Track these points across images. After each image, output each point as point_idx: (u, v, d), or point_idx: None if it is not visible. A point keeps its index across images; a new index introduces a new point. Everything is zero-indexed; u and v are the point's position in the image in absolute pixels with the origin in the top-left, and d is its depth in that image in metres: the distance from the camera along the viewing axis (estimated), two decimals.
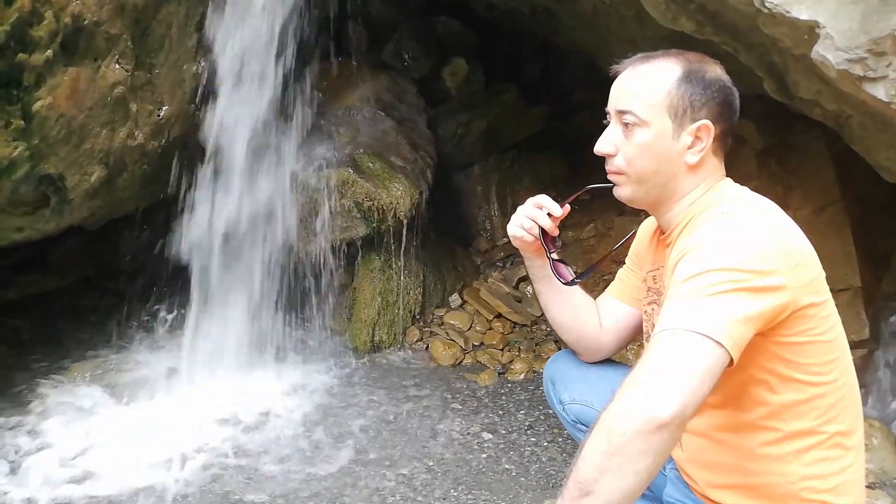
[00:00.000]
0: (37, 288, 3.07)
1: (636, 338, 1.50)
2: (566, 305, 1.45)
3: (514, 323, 3.11)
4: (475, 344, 3.02)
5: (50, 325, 2.97)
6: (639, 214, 3.34)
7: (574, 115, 3.96)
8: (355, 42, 3.48)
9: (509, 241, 3.70)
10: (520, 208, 1.41)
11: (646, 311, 1.37)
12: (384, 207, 2.88)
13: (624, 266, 1.50)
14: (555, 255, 1.38)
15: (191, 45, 2.77)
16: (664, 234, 1.29)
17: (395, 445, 2.33)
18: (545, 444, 2.34)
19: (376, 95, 3.26)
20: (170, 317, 2.81)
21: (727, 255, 1.05)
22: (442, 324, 3.12)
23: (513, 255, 3.55)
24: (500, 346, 2.98)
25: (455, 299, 3.25)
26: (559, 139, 3.83)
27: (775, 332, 1.07)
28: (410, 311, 3.09)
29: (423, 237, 3.08)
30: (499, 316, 3.13)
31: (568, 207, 1.37)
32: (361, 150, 2.99)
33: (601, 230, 3.29)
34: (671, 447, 0.96)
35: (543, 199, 1.38)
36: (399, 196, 2.89)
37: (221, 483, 2.11)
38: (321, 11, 2.99)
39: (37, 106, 2.19)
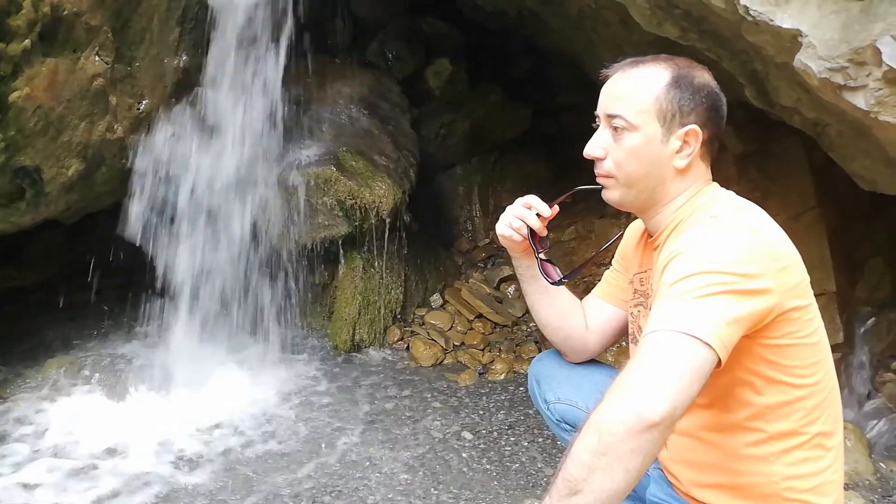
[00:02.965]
0: (12, 282, 3.00)
1: (619, 339, 1.51)
2: (552, 306, 1.46)
3: (495, 323, 3.12)
4: (456, 344, 3.02)
5: (26, 320, 2.91)
6: (619, 217, 3.39)
7: (559, 116, 3.98)
8: (340, 40, 3.47)
9: (491, 242, 3.74)
10: (508, 208, 1.41)
11: (632, 313, 1.38)
12: (367, 206, 2.87)
13: (610, 268, 1.51)
14: (542, 256, 1.38)
15: (172, 38, 2.74)
16: (652, 237, 1.30)
17: (375, 445, 2.33)
18: (525, 444, 2.34)
19: (360, 94, 3.25)
20: (147, 313, 2.76)
21: (715, 258, 1.06)
22: (423, 323, 3.12)
23: (494, 255, 3.56)
24: (481, 347, 2.99)
25: (436, 299, 3.25)
26: (544, 140, 3.85)
27: (761, 335, 1.09)
28: (391, 311, 3.09)
29: (404, 237, 3.07)
30: (480, 316, 3.13)
31: (557, 208, 1.37)
32: (344, 149, 2.98)
33: (582, 232, 3.31)
34: (661, 447, 0.97)
35: (532, 200, 1.38)
36: (382, 195, 2.89)
37: (196, 488, 2.08)
38: (306, 9, 2.97)
39: (13, 97, 2.15)
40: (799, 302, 1.10)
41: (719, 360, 1.01)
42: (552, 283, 1.38)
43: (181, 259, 2.62)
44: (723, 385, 1.12)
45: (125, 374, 2.56)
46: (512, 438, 2.37)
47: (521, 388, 2.71)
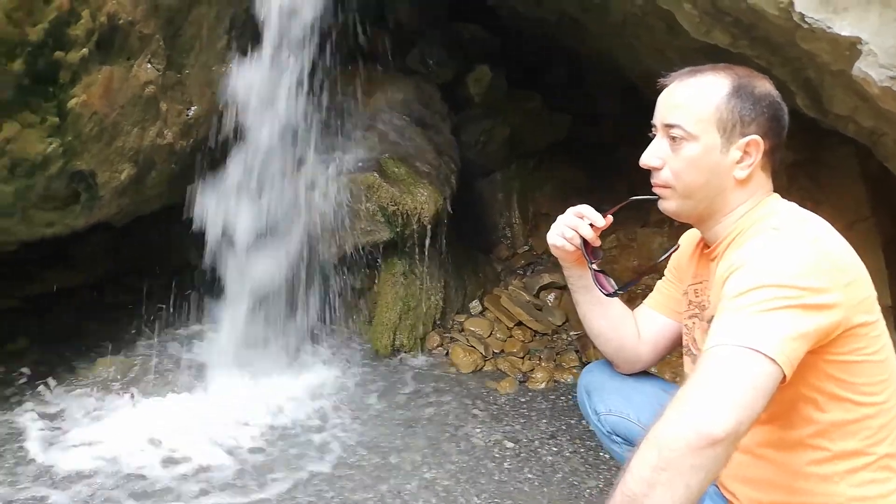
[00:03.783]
0: (62, 282, 3.09)
1: (672, 350, 1.49)
2: (605, 316, 1.45)
3: (535, 331, 3.10)
4: (495, 351, 3.01)
5: (76, 319, 2.99)
6: (662, 226, 3.35)
7: (597, 122, 3.96)
8: (381, 48, 3.49)
9: (530, 249, 3.73)
10: (560, 217, 1.40)
11: (686, 325, 1.36)
12: (408, 212, 2.88)
13: (663, 278, 1.49)
14: (596, 266, 1.37)
15: (220, 46, 2.79)
16: (709, 247, 1.28)
17: (416, 450, 2.33)
18: (568, 454, 2.33)
19: (401, 101, 3.27)
20: (193, 315, 2.81)
21: (779, 271, 1.04)
22: (462, 330, 3.12)
23: (533, 263, 3.54)
24: (521, 355, 2.97)
25: (475, 306, 3.25)
26: (582, 147, 3.82)
27: (826, 350, 1.06)
28: (431, 317, 3.09)
29: (444, 243, 3.08)
30: (519, 324, 3.12)
31: (611, 218, 1.36)
32: (387, 155, 3.00)
33: (624, 241, 3.28)
34: (724, 464, 0.96)
35: (585, 209, 1.37)
36: (423, 201, 2.90)
37: (233, 486, 2.10)
38: (348, 17, 3.01)
39: (71, 103, 2.21)
40: (866, 318, 1.08)
41: (784, 376, 0.99)
42: (607, 295, 1.37)
43: (228, 260, 2.66)
44: (784, 401, 1.10)
45: (173, 373, 2.61)
46: (554, 448, 2.35)
47: (563, 398, 2.69)
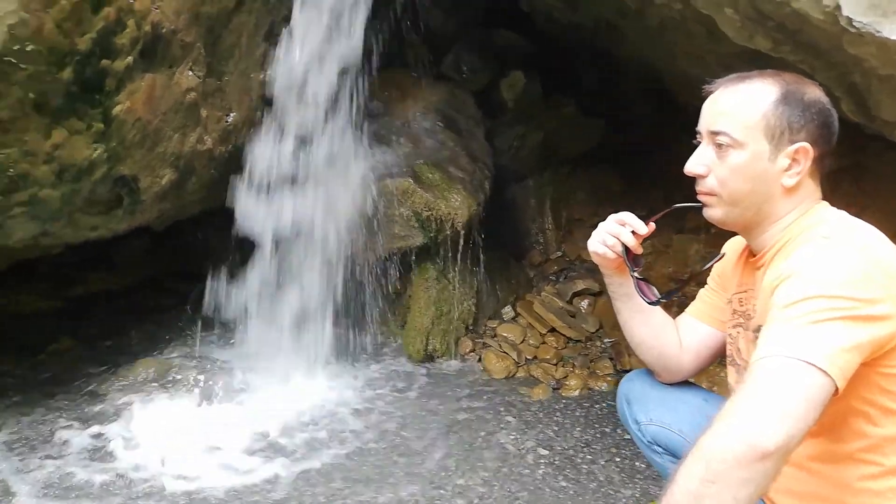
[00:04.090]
0: (103, 285, 3.16)
1: (715, 360, 1.47)
2: (646, 324, 1.43)
3: (568, 338, 3.08)
4: (528, 357, 3.00)
5: (115, 321, 3.05)
6: (698, 233, 3.30)
7: (630, 128, 3.92)
8: (415, 54, 3.52)
9: (563, 255, 3.70)
10: (601, 225, 1.39)
11: (730, 334, 1.34)
12: (442, 217, 2.89)
13: (705, 286, 1.47)
14: (638, 274, 1.36)
15: (259, 53, 2.84)
16: (755, 256, 1.26)
17: (449, 455, 2.33)
18: (602, 462, 2.30)
19: (436, 107, 3.28)
20: (229, 318, 2.85)
21: (831, 282, 1.02)
22: (495, 336, 3.11)
23: (566, 269, 3.52)
24: (554, 361, 2.96)
25: (508, 311, 3.24)
26: (616, 152, 3.79)
27: (879, 363, 1.04)
28: (464, 322, 3.10)
29: (477, 248, 3.09)
30: (552, 330, 3.10)
31: (653, 225, 1.35)
32: (421, 161, 3.02)
33: (659, 247, 3.24)
34: (774, 478, 0.94)
35: (627, 217, 1.36)
36: (457, 207, 2.91)
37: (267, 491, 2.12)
38: (382, 23, 3.03)
39: (116, 110, 2.26)
40: None
41: (837, 389, 0.97)
42: (649, 303, 1.35)
43: (264, 264, 2.70)
44: (835, 414, 1.07)
45: (210, 376, 2.64)
46: (589, 456, 2.33)
47: (597, 406, 2.67)
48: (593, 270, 3.48)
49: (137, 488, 2.09)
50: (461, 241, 2.95)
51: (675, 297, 1.45)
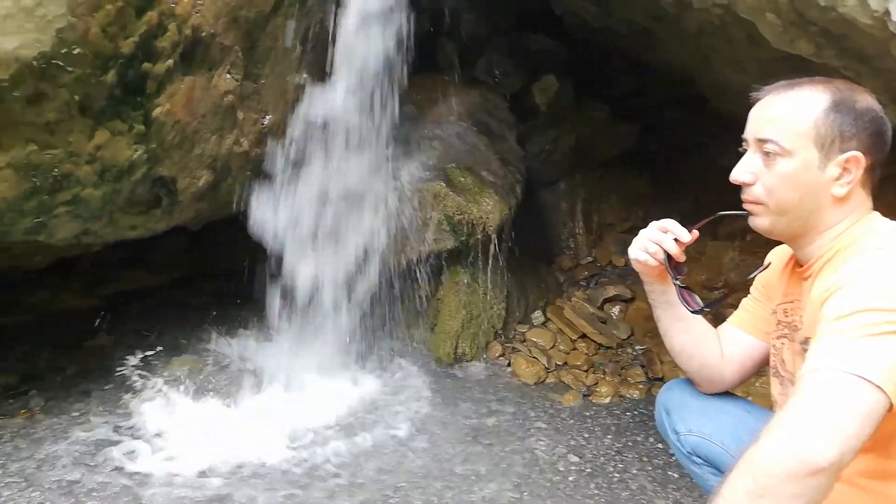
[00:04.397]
0: (137, 283, 3.22)
1: (757, 371, 1.45)
2: (687, 333, 1.41)
3: (599, 344, 3.06)
4: (558, 363, 2.99)
5: (149, 319, 3.10)
6: (733, 240, 3.25)
7: (663, 132, 3.88)
8: (447, 57, 3.52)
9: (594, 261, 3.68)
10: (643, 232, 1.38)
11: (774, 345, 1.32)
12: (474, 221, 2.89)
13: (748, 296, 1.45)
14: (680, 282, 1.35)
15: (294, 57, 2.86)
16: (802, 266, 1.24)
17: (479, 460, 2.32)
18: (634, 471, 2.28)
19: (468, 110, 3.29)
20: (262, 317, 2.88)
21: (885, 294, 1.00)
22: (524, 340, 3.10)
23: (597, 274, 3.50)
24: (585, 368, 2.94)
25: (538, 316, 3.22)
26: (649, 157, 3.76)
27: None
28: (493, 326, 3.09)
29: (507, 252, 3.08)
30: (583, 336, 3.08)
31: (696, 233, 1.33)
32: (453, 164, 3.02)
33: (692, 254, 3.19)
34: (825, 494, 0.92)
35: (670, 224, 1.35)
36: (489, 211, 2.90)
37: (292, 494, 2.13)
38: (414, 27, 3.04)
39: (156, 112, 2.30)
40: None
41: (892, 405, 0.94)
42: (692, 312, 1.34)
43: (299, 266, 2.72)
44: (888, 429, 1.05)
45: (242, 375, 2.67)
46: (620, 465, 2.31)
47: (629, 413, 2.65)
48: (624, 276, 3.45)
49: (168, 485, 2.11)
50: (492, 245, 2.94)
51: (719, 307, 1.42)
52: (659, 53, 3.43)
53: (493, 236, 2.92)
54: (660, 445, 2.42)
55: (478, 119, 3.27)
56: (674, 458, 2.32)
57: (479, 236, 2.92)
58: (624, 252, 3.60)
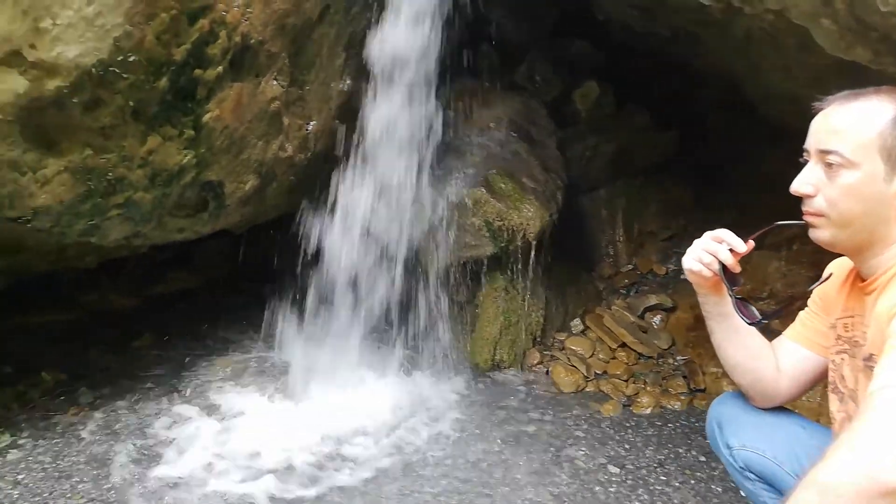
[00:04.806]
0: (182, 284, 3.28)
1: (814, 386, 1.41)
2: (743, 346, 1.39)
3: (640, 354, 3.02)
4: (597, 372, 2.96)
5: (193, 319, 3.16)
6: (779, 250, 3.18)
7: (707, 139, 3.82)
8: (488, 63, 3.53)
9: (634, 268, 3.64)
10: (697, 242, 1.36)
11: (833, 361, 1.28)
12: (514, 228, 2.88)
13: (805, 308, 1.41)
14: (737, 293, 1.32)
15: (338, 63, 2.90)
16: (864, 280, 1.21)
17: (518, 468, 2.31)
18: (676, 484, 2.24)
19: (508, 117, 3.28)
20: (302, 320, 2.91)
21: None
22: (563, 348, 3.08)
23: (637, 283, 3.46)
24: (625, 377, 2.90)
25: (577, 324, 3.20)
26: (692, 165, 3.71)
27: None
28: (532, 333, 3.08)
29: (547, 259, 3.06)
30: (623, 345, 3.05)
31: (752, 243, 1.31)
32: (494, 171, 3.01)
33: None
34: None
35: (725, 234, 1.32)
36: (530, 217, 2.89)
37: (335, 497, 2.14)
38: (455, 34, 3.05)
39: (206, 118, 2.35)
40: None
41: None
42: (749, 324, 1.31)
43: (341, 270, 2.75)
44: None
45: (283, 376, 2.71)
46: (662, 477, 2.28)
47: (670, 425, 2.61)
48: (665, 285, 3.41)
49: (217, 485, 2.14)
50: (532, 252, 2.93)
51: (778, 318, 1.39)
52: (703, 59, 3.38)
53: (534, 243, 2.90)
54: (703, 458, 2.38)
55: (518, 125, 3.27)
56: (717, 471, 2.29)
57: (519, 243, 2.91)
58: (665, 260, 3.58)
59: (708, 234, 1.35)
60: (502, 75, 3.56)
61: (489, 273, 3.04)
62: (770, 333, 1.50)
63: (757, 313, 1.32)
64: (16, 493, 2.02)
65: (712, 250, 1.32)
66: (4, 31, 1.76)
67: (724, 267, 1.32)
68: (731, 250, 1.31)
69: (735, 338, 1.39)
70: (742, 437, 1.41)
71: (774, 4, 2.09)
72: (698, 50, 3.24)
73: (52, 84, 1.88)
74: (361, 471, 2.27)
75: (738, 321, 1.33)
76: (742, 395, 1.46)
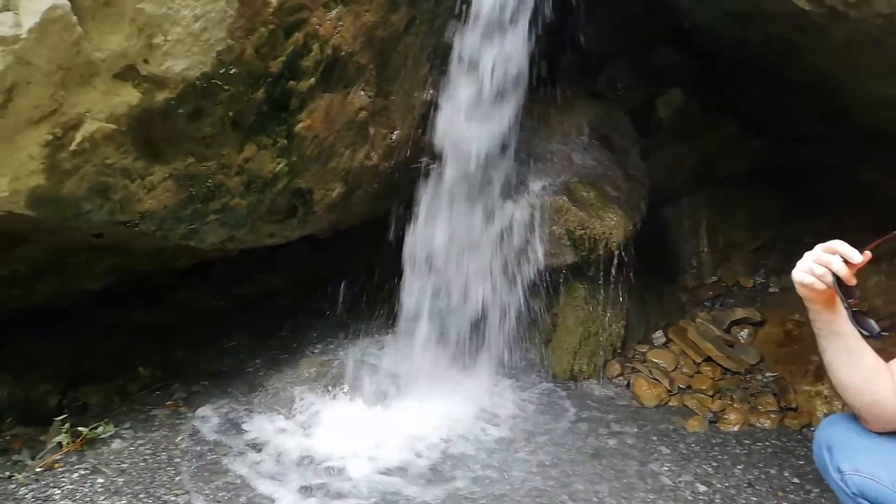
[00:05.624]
0: (266, 287, 3.39)
1: None
2: (857, 367, 1.32)
3: (726, 369, 2.92)
4: (681, 386, 2.88)
5: (277, 321, 3.27)
6: (879, 264, 3.03)
7: (797, 148, 3.67)
8: (569, 71, 3.50)
9: (719, 280, 3.53)
10: (808, 254, 1.31)
11: None
12: (596, 237, 2.85)
13: None
14: (853, 306, 1.26)
15: (422, 74, 2.94)
16: None
17: (601, 481, 2.28)
18: None
19: (590, 125, 3.25)
20: (385, 324, 2.95)
21: None
22: (644, 361, 3.01)
23: (722, 295, 3.35)
24: (710, 392, 2.81)
25: (659, 337, 3.12)
26: (781, 174, 3.56)
27: None
28: (612, 344, 3.02)
29: (628, 269, 3.00)
30: (708, 360, 2.96)
31: (869, 254, 1.25)
32: (576, 179, 2.99)
33: None
34: None
35: (838, 245, 1.27)
36: (612, 226, 2.85)
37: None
38: (538, 42, 3.04)
39: (298, 127, 2.43)
40: None
41: None
42: (868, 336, 1.25)
43: (423, 275, 2.78)
44: None
45: (362, 380, 2.75)
46: (753, 498, 2.19)
47: (759, 444, 2.51)
48: (752, 298, 3.29)
49: (308, 482, 2.21)
50: (614, 262, 2.88)
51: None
52: (796, 66, 3.25)
53: (616, 253, 2.86)
54: (796, 480, 2.28)
55: (601, 133, 3.23)
56: (812, 495, 2.19)
57: (601, 252, 2.87)
58: (752, 272, 3.44)
59: (820, 246, 1.30)
60: (584, 83, 3.53)
61: (569, 282, 3.01)
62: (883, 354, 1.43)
63: (876, 326, 1.25)
64: (121, 480, 2.14)
65: (825, 261, 1.27)
66: (122, 48, 1.88)
67: (838, 279, 1.26)
68: (845, 261, 1.25)
69: (848, 358, 1.32)
70: (856, 461, 1.34)
71: (885, 8, 2.00)
72: (791, 57, 3.12)
73: (160, 96, 2.00)
74: (439, 477, 2.29)
75: (852, 340, 1.26)
76: (854, 417, 1.39)
